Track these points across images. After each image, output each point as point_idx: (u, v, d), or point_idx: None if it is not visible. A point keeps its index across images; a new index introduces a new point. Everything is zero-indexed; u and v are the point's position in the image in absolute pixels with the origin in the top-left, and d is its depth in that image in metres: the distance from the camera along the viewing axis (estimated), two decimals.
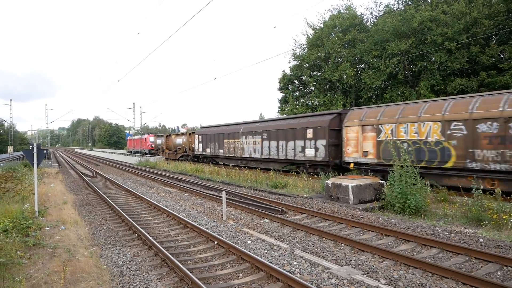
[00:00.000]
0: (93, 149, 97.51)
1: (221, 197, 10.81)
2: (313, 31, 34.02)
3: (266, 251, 7.13)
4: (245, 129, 25.22)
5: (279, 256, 6.79)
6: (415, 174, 10.25)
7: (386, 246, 7.36)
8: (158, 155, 43.47)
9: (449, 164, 12.85)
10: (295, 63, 35.47)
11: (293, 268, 6.14)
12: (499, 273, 5.85)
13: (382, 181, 12.18)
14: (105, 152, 65.78)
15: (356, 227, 8.88)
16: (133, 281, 5.75)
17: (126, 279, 5.84)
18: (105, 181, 21.62)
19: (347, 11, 32.62)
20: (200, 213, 11.25)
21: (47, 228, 9.22)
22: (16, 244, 7.23)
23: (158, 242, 7.53)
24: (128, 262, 6.67)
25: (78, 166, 36.75)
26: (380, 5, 36.35)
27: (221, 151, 27.97)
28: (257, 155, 23.43)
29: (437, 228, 8.40)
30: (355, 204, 11.24)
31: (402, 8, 28.48)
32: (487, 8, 22.24)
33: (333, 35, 31.84)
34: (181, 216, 10.10)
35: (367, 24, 32.27)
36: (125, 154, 52.08)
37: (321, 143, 18.33)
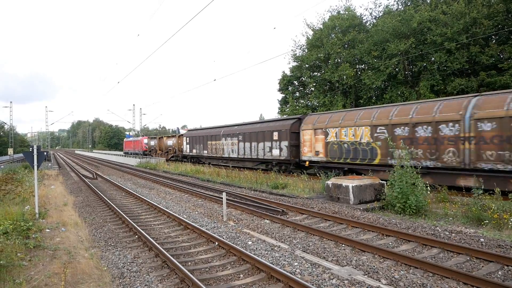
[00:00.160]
0: (94, 150, 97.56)
1: (222, 198, 10.80)
2: (312, 32, 34.08)
3: (266, 252, 7.13)
4: (225, 132, 28.00)
5: (279, 257, 6.78)
6: (413, 174, 10.26)
7: (387, 246, 7.35)
8: (152, 156, 45.73)
9: (376, 161, 15.54)
10: (295, 64, 35.52)
11: (294, 269, 6.13)
12: (500, 272, 5.84)
13: (383, 181, 12.19)
14: (105, 153, 65.77)
15: (356, 227, 8.87)
16: (133, 282, 5.74)
17: (127, 280, 5.84)
18: (105, 183, 21.62)
19: (346, 12, 32.67)
20: (200, 214, 11.24)
21: (47, 230, 9.22)
22: (16, 246, 7.23)
23: (158, 244, 7.53)
24: (128, 263, 6.66)
25: (78, 167, 36.75)
26: (379, 6, 36.41)
27: (205, 151, 31.03)
28: (235, 155, 26.28)
29: (437, 228, 8.39)
30: (356, 204, 11.23)
31: (402, 8, 28.52)
32: (486, 8, 22.27)
33: (333, 35, 31.89)
34: (181, 217, 10.09)
35: (367, 24, 32.31)
36: (123, 156, 52.61)
37: (284, 144, 21.15)
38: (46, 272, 6.12)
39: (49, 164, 38.13)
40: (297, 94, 37.27)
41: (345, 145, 17.05)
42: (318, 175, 17.14)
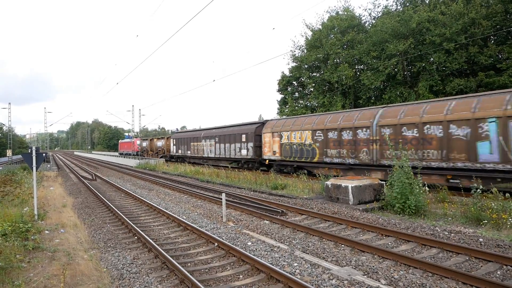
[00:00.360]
0: (93, 152, 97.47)
1: (221, 199, 10.80)
2: (311, 33, 34.10)
3: (266, 253, 7.12)
4: (205, 134, 31.31)
5: (279, 258, 6.78)
6: (411, 174, 10.28)
7: (386, 247, 7.35)
8: (144, 156, 48.48)
9: (316, 159, 18.87)
10: (294, 64, 35.53)
11: (293, 269, 6.13)
12: (499, 272, 5.85)
13: (382, 182, 12.20)
14: (104, 155, 65.76)
15: (356, 227, 8.88)
16: (133, 283, 5.74)
17: (126, 282, 5.83)
18: (104, 184, 21.59)
19: (345, 13, 32.71)
20: (200, 215, 11.24)
21: (46, 232, 9.20)
22: (15, 248, 7.22)
23: (158, 245, 7.52)
24: (128, 264, 6.66)
25: (77, 169, 36.71)
26: (378, 6, 36.45)
27: (189, 152, 34.41)
28: (212, 155, 29.66)
29: (437, 228, 8.40)
30: (355, 204, 11.23)
31: (401, 9, 28.56)
32: (485, 9, 22.32)
33: (332, 36, 31.92)
34: (181, 218, 10.08)
35: (366, 25, 32.36)
36: (122, 157, 53.18)
37: (250, 145, 24.39)
38: (45, 273, 6.11)
39: (48, 166, 38.09)
40: (296, 94, 37.28)
41: (294, 146, 20.40)
42: (275, 172, 20.96)
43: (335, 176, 15.70)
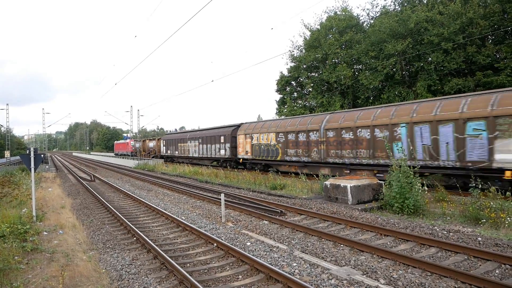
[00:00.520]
0: (91, 152, 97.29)
1: (220, 199, 10.80)
2: (310, 33, 34.12)
3: (265, 253, 7.12)
4: (190, 136, 34.28)
5: (278, 258, 6.78)
6: (411, 174, 10.30)
7: (385, 246, 7.36)
8: (137, 156, 50.73)
9: (279, 158, 21.58)
10: (293, 64, 35.55)
11: (292, 269, 6.13)
12: (497, 271, 5.86)
13: (381, 182, 12.22)
14: (103, 155, 65.73)
15: (355, 227, 8.88)
16: (132, 284, 5.73)
17: (125, 282, 5.82)
18: (103, 185, 21.56)
19: (343, 13, 32.75)
20: (199, 216, 11.23)
21: (45, 233, 9.18)
22: (13, 249, 7.20)
23: (157, 245, 7.51)
24: (127, 265, 6.65)
25: (76, 170, 36.64)
26: (376, 6, 36.47)
27: (177, 152, 37.34)
28: (196, 155, 32.53)
29: (435, 227, 8.41)
30: (354, 204, 11.24)
31: (399, 9, 28.61)
32: (482, 9, 22.38)
33: (330, 36, 31.95)
34: (179, 219, 10.08)
35: (364, 25, 32.40)
36: (118, 157, 53.82)
37: (227, 145, 27.04)
38: (43, 275, 6.10)
39: (47, 167, 38.02)
40: (295, 94, 37.29)
41: (262, 146, 23.09)
42: (248, 169, 23.99)
43: (293, 173, 19.54)
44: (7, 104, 47.07)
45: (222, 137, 27.85)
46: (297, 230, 8.87)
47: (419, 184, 10.22)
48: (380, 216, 9.81)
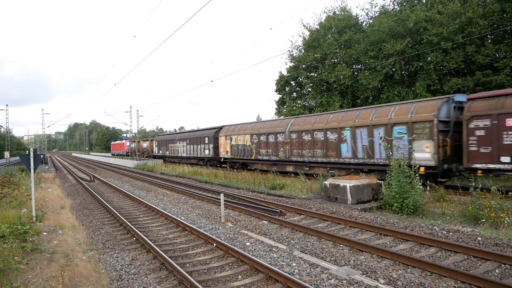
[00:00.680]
0: (91, 153, 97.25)
1: (219, 199, 10.80)
2: (309, 33, 34.10)
3: (265, 253, 7.13)
4: (179, 137, 37.49)
5: (278, 258, 6.78)
6: (410, 173, 10.31)
7: (385, 246, 7.37)
8: (132, 156, 52.27)
9: (253, 157, 24.21)
10: (292, 64, 35.51)
11: (292, 269, 6.13)
12: (497, 271, 5.87)
13: (380, 181, 12.23)
14: (102, 156, 65.83)
15: (354, 227, 8.89)
16: (132, 284, 5.73)
17: (125, 283, 5.82)
18: (102, 185, 21.55)
19: (342, 13, 32.73)
20: (198, 216, 11.23)
21: (44, 233, 9.18)
22: (13, 249, 7.20)
23: (156, 245, 7.51)
24: (126, 265, 6.65)
25: (75, 170, 36.61)
26: (375, 6, 36.37)
27: (167, 152, 40.82)
28: (185, 155, 35.51)
29: (435, 227, 8.42)
30: (354, 204, 11.25)
31: (398, 8, 28.60)
32: (482, 8, 22.36)
33: (329, 36, 31.93)
34: (179, 219, 10.08)
35: (363, 25, 32.38)
36: (118, 158, 54.11)
37: (211, 146, 30.05)
38: (43, 275, 6.10)
39: (46, 167, 37.99)
40: (294, 94, 37.25)
41: (240, 146, 25.67)
42: (228, 167, 27.20)
43: (265, 170, 22.14)
44: (7, 105, 47.04)
45: (206, 138, 30.71)
46: (296, 230, 8.88)
47: (420, 185, 10.24)
48: (379, 216, 9.81)
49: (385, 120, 15.20)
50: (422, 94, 24.27)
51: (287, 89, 37.11)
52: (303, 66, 34.11)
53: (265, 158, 22.88)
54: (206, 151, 30.81)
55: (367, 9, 43.96)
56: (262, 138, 23.08)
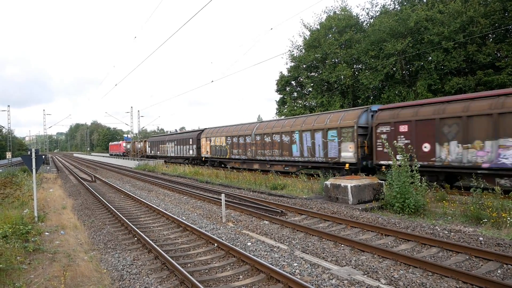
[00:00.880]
0: (92, 153, 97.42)
1: (220, 199, 10.80)
2: (309, 32, 34.07)
3: (266, 253, 7.13)
4: (168, 138, 41.46)
5: (279, 258, 6.79)
6: (411, 173, 10.30)
7: (386, 246, 7.36)
8: (128, 156, 55.34)
9: (227, 156, 27.52)
10: (292, 64, 35.48)
11: (293, 270, 6.14)
12: (499, 271, 5.86)
13: (381, 181, 12.22)
14: (103, 156, 65.96)
15: (355, 227, 8.88)
16: (133, 284, 5.74)
17: (127, 283, 5.83)
18: (104, 186, 21.58)
19: (343, 12, 32.70)
20: (199, 216, 11.24)
21: (46, 233, 9.21)
22: (16, 249, 7.22)
23: (158, 246, 7.52)
24: (128, 266, 6.66)
25: (77, 170, 36.68)
26: (376, 6, 36.32)
27: (158, 152, 44.33)
28: (173, 154, 39.06)
29: (436, 227, 8.41)
30: (355, 204, 11.24)
31: (398, 8, 28.55)
32: (483, 7, 22.30)
33: (330, 36, 31.90)
34: (180, 219, 10.09)
35: (364, 24, 32.34)
36: (119, 158, 54.30)
37: (194, 147, 33.48)
38: (45, 275, 6.12)
39: (48, 168, 38.06)
40: (295, 94, 37.23)
41: (217, 147, 29.12)
42: (209, 165, 29.96)
43: (237, 168, 25.98)
44: (8, 106, 47.16)
45: (190, 140, 34.29)
46: (297, 230, 8.88)
47: (424, 184, 10.24)
48: (380, 216, 9.81)
49: (322, 126, 18.43)
50: (423, 94, 24.24)
51: (287, 89, 37.09)
52: (304, 66, 34.09)
53: (237, 157, 26.09)
54: (191, 151, 34.16)
55: (367, 8, 43.76)
56: (235, 139, 26.30)
